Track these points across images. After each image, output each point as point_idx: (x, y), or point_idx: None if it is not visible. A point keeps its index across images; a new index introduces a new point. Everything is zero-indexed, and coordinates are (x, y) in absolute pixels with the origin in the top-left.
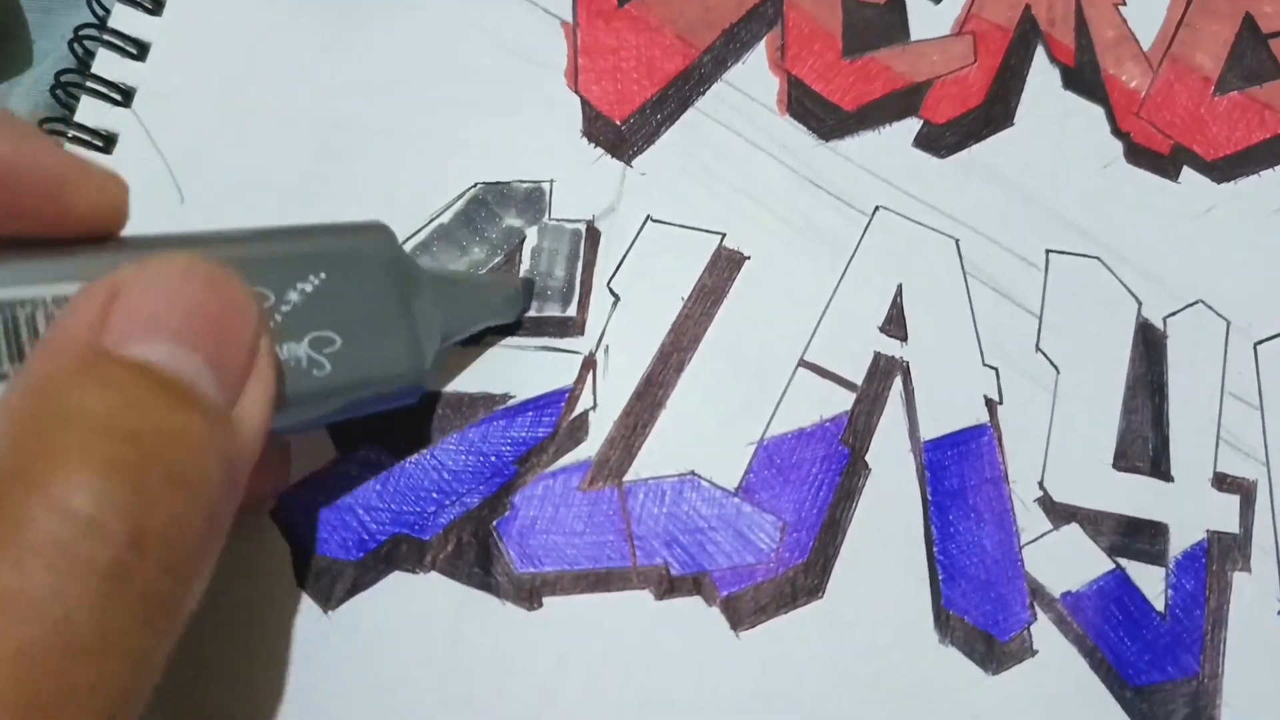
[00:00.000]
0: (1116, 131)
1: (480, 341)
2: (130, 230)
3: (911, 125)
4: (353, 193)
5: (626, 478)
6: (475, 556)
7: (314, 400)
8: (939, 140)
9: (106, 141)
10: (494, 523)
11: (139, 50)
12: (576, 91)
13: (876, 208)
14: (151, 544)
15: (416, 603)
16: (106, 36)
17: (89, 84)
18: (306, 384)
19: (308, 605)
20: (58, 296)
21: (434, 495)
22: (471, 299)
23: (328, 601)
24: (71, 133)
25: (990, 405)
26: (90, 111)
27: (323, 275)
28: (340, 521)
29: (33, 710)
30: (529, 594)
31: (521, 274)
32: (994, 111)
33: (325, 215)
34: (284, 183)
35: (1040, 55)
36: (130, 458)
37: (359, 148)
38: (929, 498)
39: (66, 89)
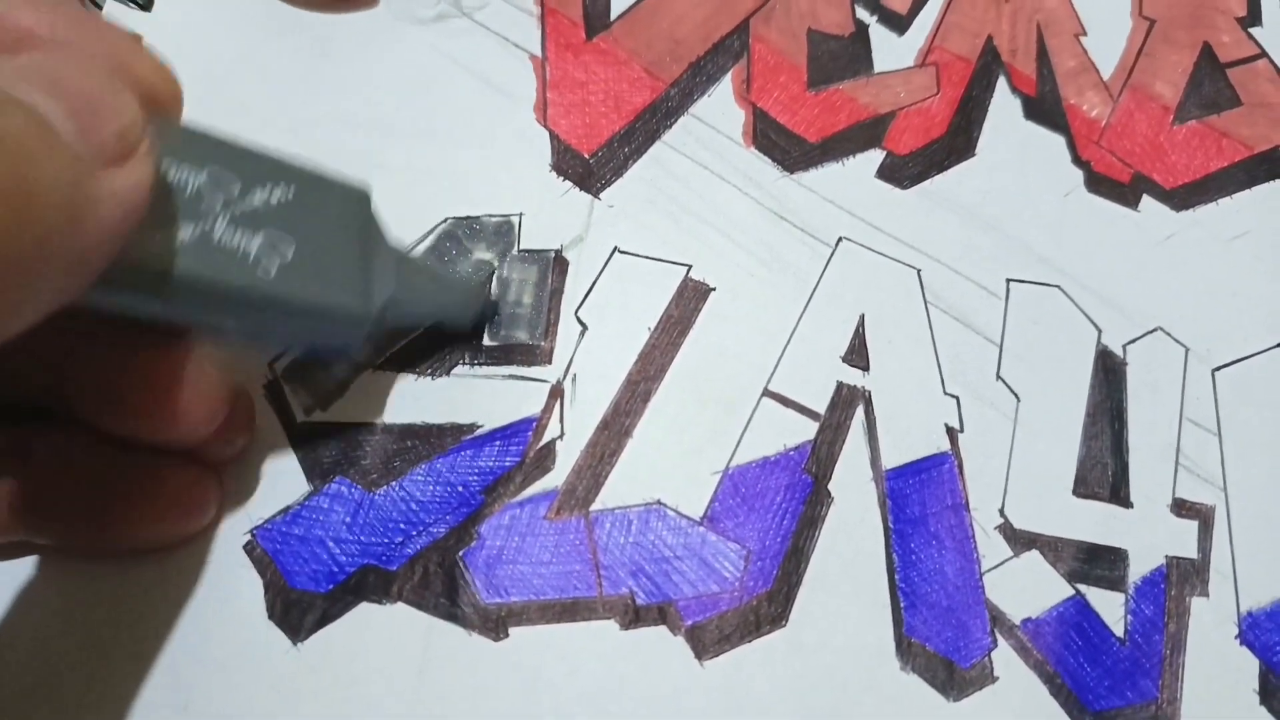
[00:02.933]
0: (1077, 160)
1: (436, 358)
2: None
3: (875, 156)
4: None
5: (593, 507)
6: (441, 587)
7: (253, 300)
8: (902, 171)
9: None
10: (460, 553)
11: None
12: (545, 125)
13: (840, 239)
14: None
15: (383, 633)
16: None
17: None
18: (247, 279)
19: (277, 637)
20: None
21: (401, 526)
22: (427, 287)
23: (297, 633)
24: None
25: (951, 433)
26: None
27: (294, 191)
28: (311, 554)
29: None
30: (495, 624)
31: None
32: (956, 142)
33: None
34: None
35: (1002, 85)
36: None
37: None
38: (891, 525)
39: None
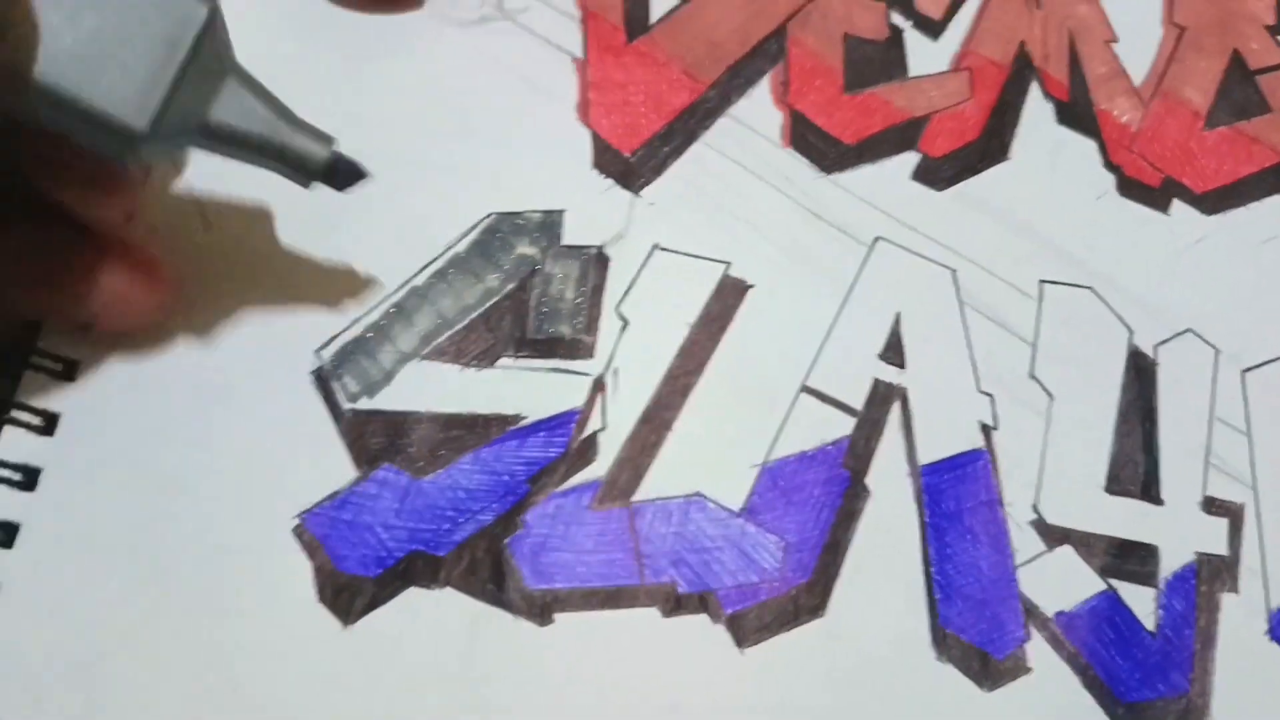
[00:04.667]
0: (1109, 164)
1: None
2: None
3: (910, 159)
4: (368, 221)
5: (635, 498)
6: (489, 573)
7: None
8: (936, 173)
9: None
10: (506, 540)
11: None
12: (587, 125)
13: (876, 239)
14: None
15: (432, 618)
16: None
17: None
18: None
19: (327, 619)
20: None
21: (449, 513)
22: (264, 122)
23: (347, 616)
24: None
25: (986, 430)
26: None
27: None
28: (360, 539)
29: None
30: (540, 610)
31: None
32: (990, 145)
33: (342, 244)
34: (297, 213)
35: (1035, 90)
36: None
37: (375, 178)
38: (926, 520)
39: None
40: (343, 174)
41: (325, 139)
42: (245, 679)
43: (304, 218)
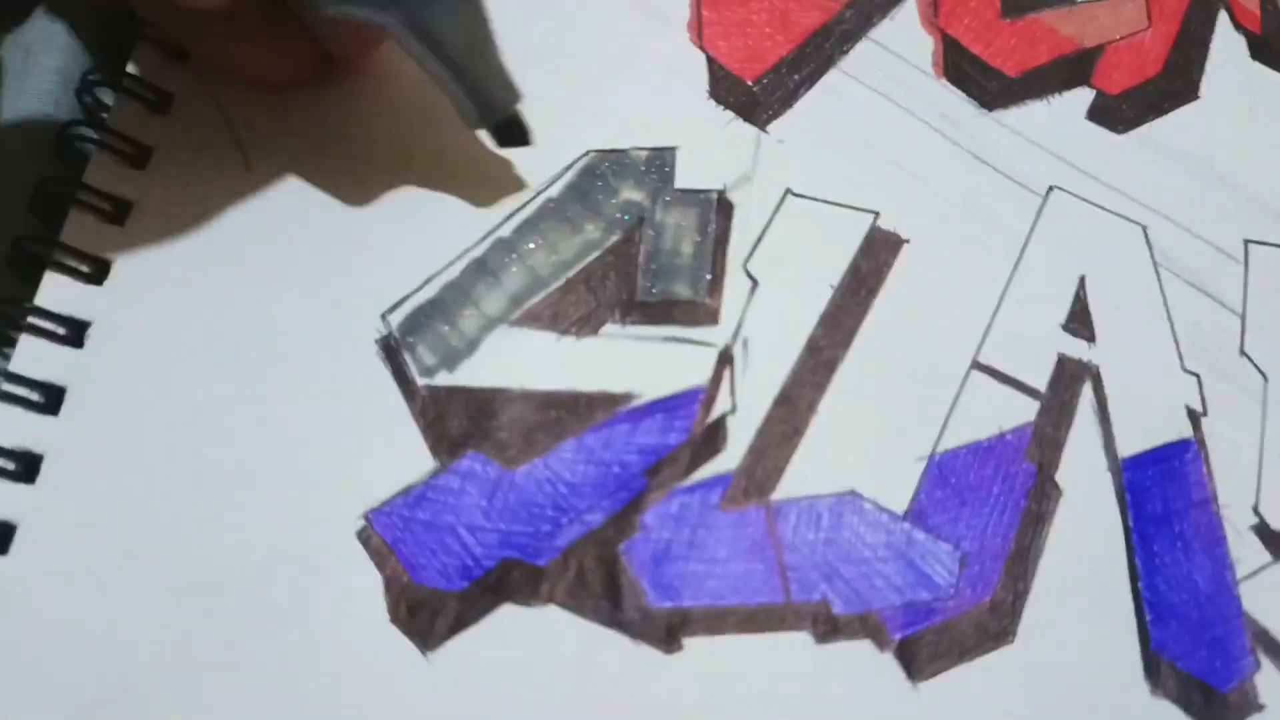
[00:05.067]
0: None
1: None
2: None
3: (1083, 95)
4: (446, 160)
5: (775, 496)
6: (601, 587)
7: None
8: (1115, 113)
9: (162, 99)
10: (621, 546)
11: None
12: (701, 47)
13: (1051, 188)
14: None
15: (532, 642)
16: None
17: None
18: None
19: (404, 645)
20: None
21: (549, 513)
22: (472, 44)
23: (427, 641)
24: (124, 88)
25: (1193, 416)
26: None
27: None
28: (440, 545)
29: None
30: (666, 633)
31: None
32: (1175, 83)
33: (412, 184)
34: (355, 149)
35: (1223, 20)
36: None
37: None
38: (1130, 524)
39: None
40: (513, 133)
41: (514, 92)
42: (306, 715)
43: (363, 156)
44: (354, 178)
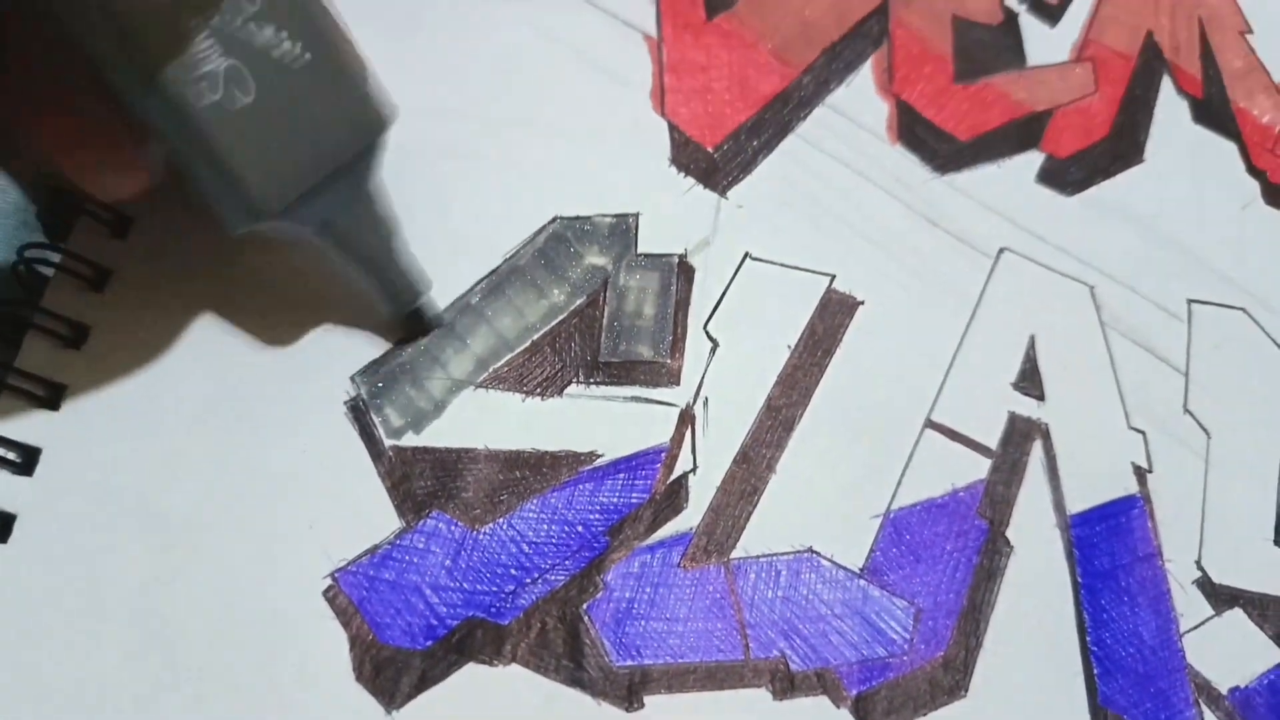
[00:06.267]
0: (1252, 169)
1: (547, 376)
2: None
3: (1033, 159)
4: (415, 227)
5: (734, 554)
6: (563, 646)
7: (175, 113)
8: (1064, 176)
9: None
10: (584, 605)
11: None
12: (663, 114)
13: (1001, 250)
14: None
15: (495, 701)
16: None
17: None
18: (182, 88)
19: (367, 703)
20: None
21: (513, 572)
22: (373, 248)
23: (392, 699)
24: None
25: (1139, 473)
26: None
27: (306, 55)
28: (405, 604)
29: None
30: (628, 692)
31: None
32: (1121, 146)
33: None
34: None
35: (1166, 85)
36: None
37: (423, 175)
38: (1079, 579)
39: None
40: (426, 321)
41: (424, 284)
42: None
43: None
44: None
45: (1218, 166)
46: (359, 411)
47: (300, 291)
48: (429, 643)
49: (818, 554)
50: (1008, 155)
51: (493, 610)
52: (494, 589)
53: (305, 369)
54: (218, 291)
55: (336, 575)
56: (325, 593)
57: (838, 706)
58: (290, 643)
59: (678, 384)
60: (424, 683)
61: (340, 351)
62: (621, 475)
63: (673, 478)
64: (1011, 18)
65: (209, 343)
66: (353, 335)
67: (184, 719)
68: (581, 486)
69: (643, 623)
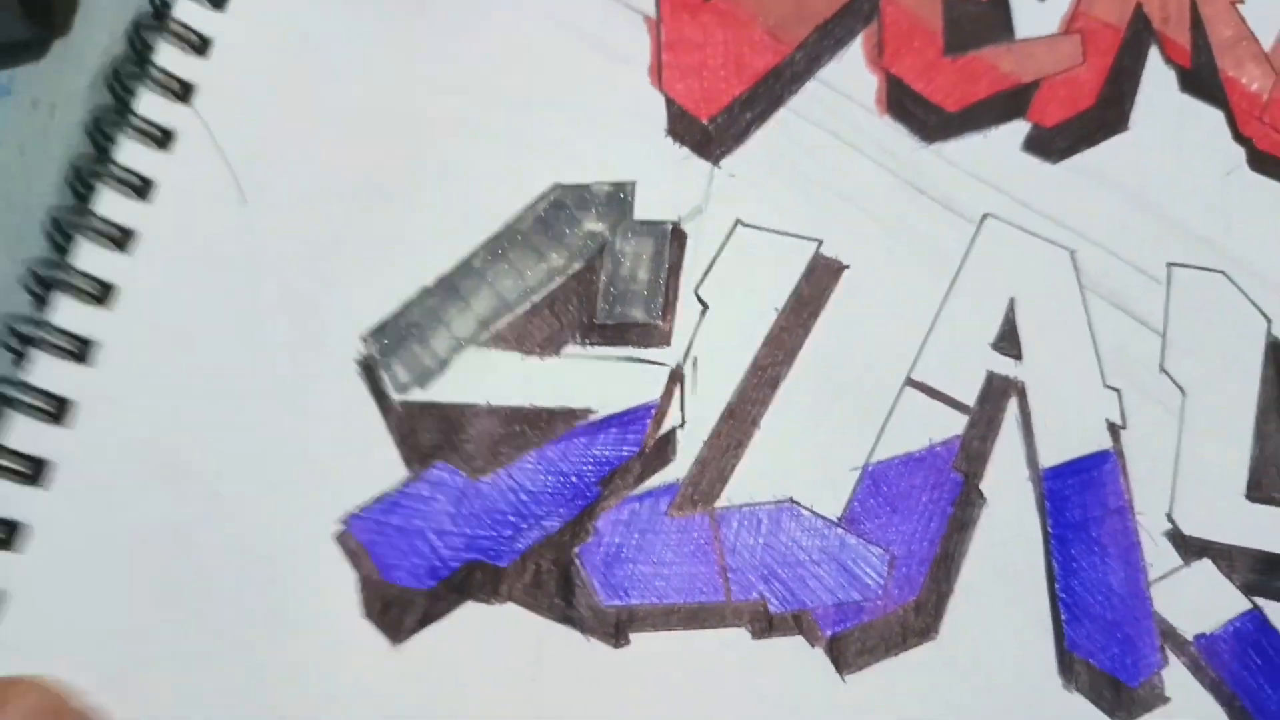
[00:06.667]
0: (1238, 137)
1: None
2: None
3: (1019, 128)
4: (422, 194)
5: (718, 503)
6: (556, 586)
7: None
8: (1049, 144)
9: (164, 136)
10: (576, 549)
11: (201, 45)
12: (660, 89)
13: (985, 215)
14: None
15: (492, 636)
16: (169, 27)
17: (150, 75)
18: None
19: (375, 637)
20: None
21: (511, 519)
22: None
23: (397, 633)
24: (130, 125)
25: (1113, 429)
26: (149, 105)
27: None
28: (410, 547)
29: None
30: (615, 629)
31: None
32: (1107, 115)
33: (394, 217)
34: (350, 183)
35: (1154, 55)
36: None
37: (430, 146)
38: (1050, 530)
39: (123, 82)
40: None
41: None
42: (283, 703)
43: (350, 190)
44: (337, 211)
45: (1203, 134)
46: (369, 368)
47: (311, 254)
48: (432, 583)
49: (798, 504)
50: (994, 125)
51: (491, 553)
52: (493, 534)
53: (318, 330)
54: (241, 260)
55: (348, 520)
56: (337, 537)
57: (813, 646)
58: (304, 582)
59: (669, 345)
60: (426, 619)
61: (351, 311)
62: (614, 430)
63: (662, 432)
64: None
65: (233, 310)
66: (361, 296)
67: (207, 652)
68: (576, 440)
69: (631, 566)
